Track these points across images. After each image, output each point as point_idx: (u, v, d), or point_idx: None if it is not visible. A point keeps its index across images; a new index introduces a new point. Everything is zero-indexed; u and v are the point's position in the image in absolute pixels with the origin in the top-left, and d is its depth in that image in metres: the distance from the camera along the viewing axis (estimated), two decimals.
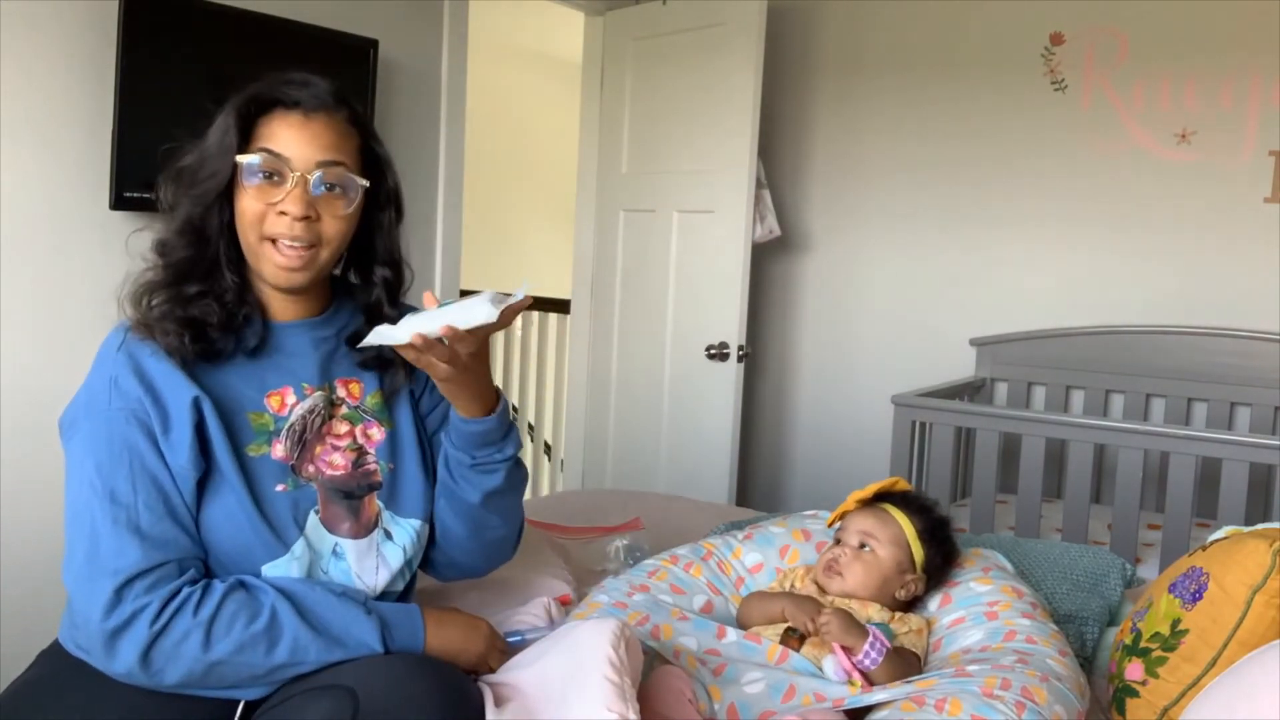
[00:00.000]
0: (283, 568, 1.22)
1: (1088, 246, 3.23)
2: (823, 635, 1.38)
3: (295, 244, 1.23)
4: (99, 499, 1.16)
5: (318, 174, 1.23)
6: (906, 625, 1.49)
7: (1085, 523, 2.59)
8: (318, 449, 1.29)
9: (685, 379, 3.35)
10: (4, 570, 2.18)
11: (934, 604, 1.58)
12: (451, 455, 1.33)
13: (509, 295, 1.20)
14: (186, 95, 2.24)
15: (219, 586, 1.17)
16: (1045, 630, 1.44)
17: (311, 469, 1.28)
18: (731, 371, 3.20)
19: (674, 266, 3.38)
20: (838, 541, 1.57)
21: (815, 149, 3.70)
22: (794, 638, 1.42)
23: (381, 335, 1.19)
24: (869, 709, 1.30)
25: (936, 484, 2.77)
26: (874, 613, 1.49)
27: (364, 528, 1.30)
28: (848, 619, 1.40)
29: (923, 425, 2.85)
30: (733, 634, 1.43)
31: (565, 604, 1.62)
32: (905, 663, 1.40)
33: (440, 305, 1.19)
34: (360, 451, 1.32)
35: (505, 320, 1.19)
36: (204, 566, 1.21)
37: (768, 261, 3.75)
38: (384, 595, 1.32)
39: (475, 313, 1.17)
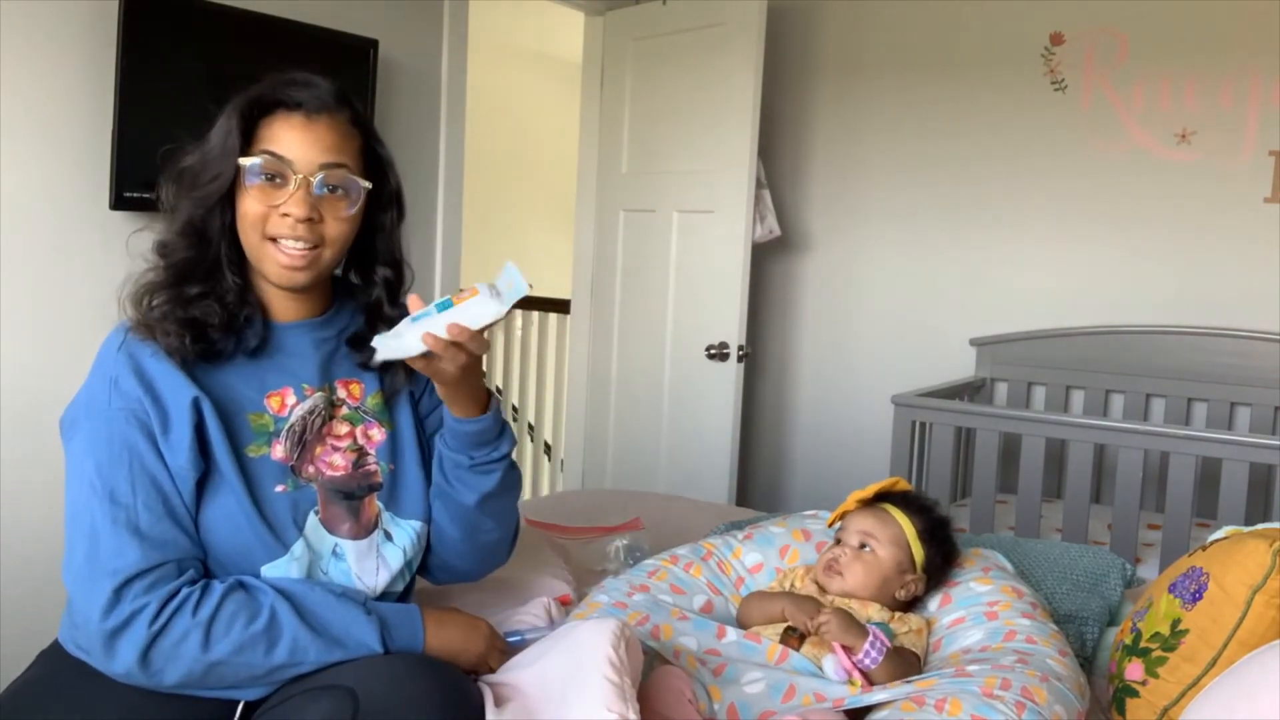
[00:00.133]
0: (282, 568, 1.22)
1: (1088, 246, 3.23)
2: (822, 635, 1.38)
3: (297, 245, 1.23)
4: (99, 499, 1.16)
5: (320, 176, 1.23)
6: (906, 625, 1.49)
7: (1085, 523, 2.59)
8: (318, 450, 1.29)
9: (685, 379, 3.35)
10: (4, 570, 2.18)
11: (934, 604, 1.58)
12: (448, 458, 1.33)
13: (496, 285, 1.20)
14: (186, 95, 2.24)
15: (218, 587, 1.17)
16: (1045, 630, 1.44)
17: (311, 470, 1.28)
18: (731, 371, 3.20)
19: (674, 266, 3.38)
20: (838, 541, 1.57)
21: (815, 149, 3.70)
22: (794, 637, 1.42)
23: (391, 349, 1.19)
24: (869, 709, 1.30)
25: (936, 484, 2.77)
26: (874, 613, 1.49)
27: (364, 529, 1.30)
28: (847, 619, 1.40)
29: (923, 425, 2.85)
30: (733, 634, 1.43)
31: (565, 604, 1.62)
32: (905, 662, 1.40)
33: (433, 306, 1.19)
34: (361, 452, 1.32)
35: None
36: (203, 567, 1.21)
37: (768, 261, 3.75)
38: (384, 596, 1.31)
39: (483, 310, 1.17)
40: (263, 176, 1.22)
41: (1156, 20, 3.08)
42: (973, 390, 3.32)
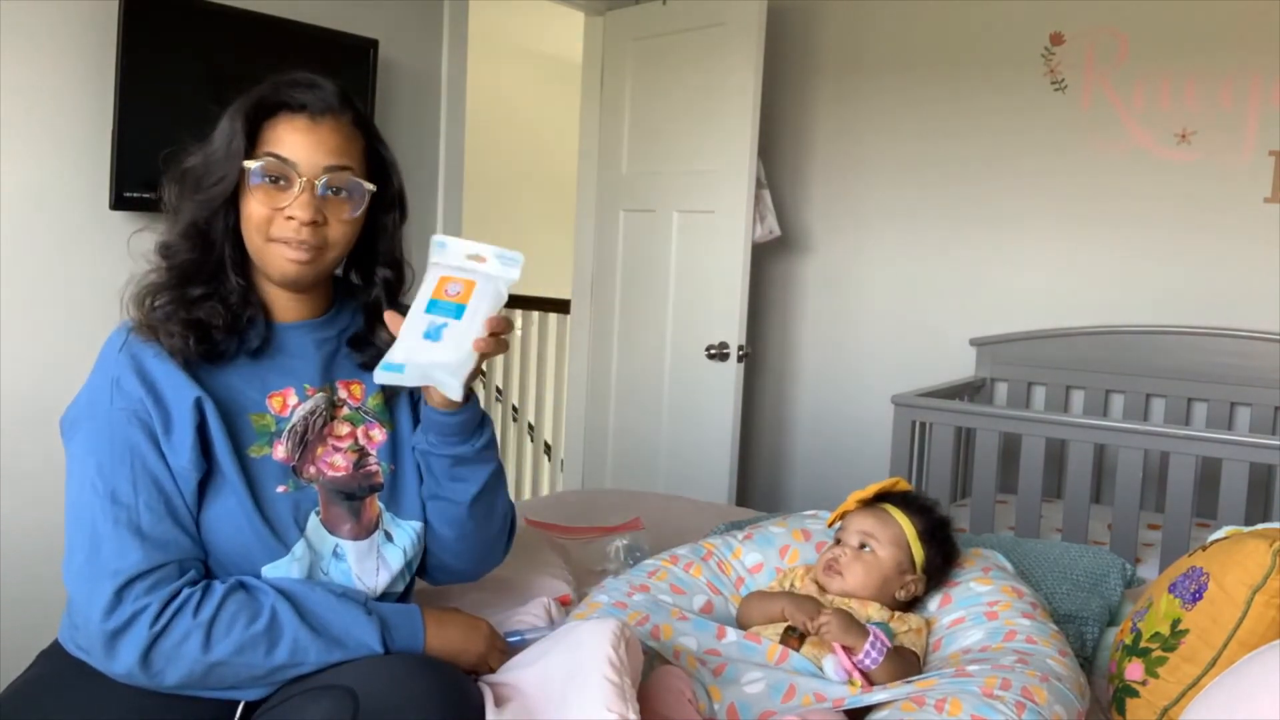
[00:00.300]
0: (283, 569, 1.22)
1: (1088, 246, 3.23)
2: (823, 636, 1.38)
3: (301, 247, 1.23)
4: (100, 499, 1.16)
5: (324, 178, 1.23)
6: (906, 625, 1.49)
7: (1085, 523, 2.59)
8: (319, 450, 1.29)
9: (685, 379, 3.35)
10: (4, 570, 2.18)
11: (934, 604, 1.58)
12: (436, 457, 1.32)
13: (482, 265, 1.22)
14: (186, 95, 2.24)
15: (219, 587, 1.17)
16: (1045, 630, 1.44)
17: (313, 470, 1.28)
18: (731, 371, 3.20)
19: (674, 266, 3.38)
20: (838, 541, 1.57)
21: (815, 149, 3.70)
22: (794, 637, 1.42)
23: (438, 380, 1.19)
24: (869, 709, 1.30)
25: (936, 484, 2.77)
26: (874, 613, 1.49)
27: (365, 529, 1.30)
28: (847, 619, 1.40)
29: (923, 425, 2.85)
30: (733, 634, 1.43)
31: (565, 604, 1.62)
32: (905, 662, 1.40)
33: (420, 313, 1.19)
34: (362, 453, 1.32)
35: None
36: (204, 567, 1.21)
37: (768, 261, 3.75)
38: (384, 596, 1.31)
39: (499, 292, 1.19)
40: (267, 179, 1.22)
41: (1156, 20, 3.08)
42: (973, 390, 3.32)
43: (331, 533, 1.27)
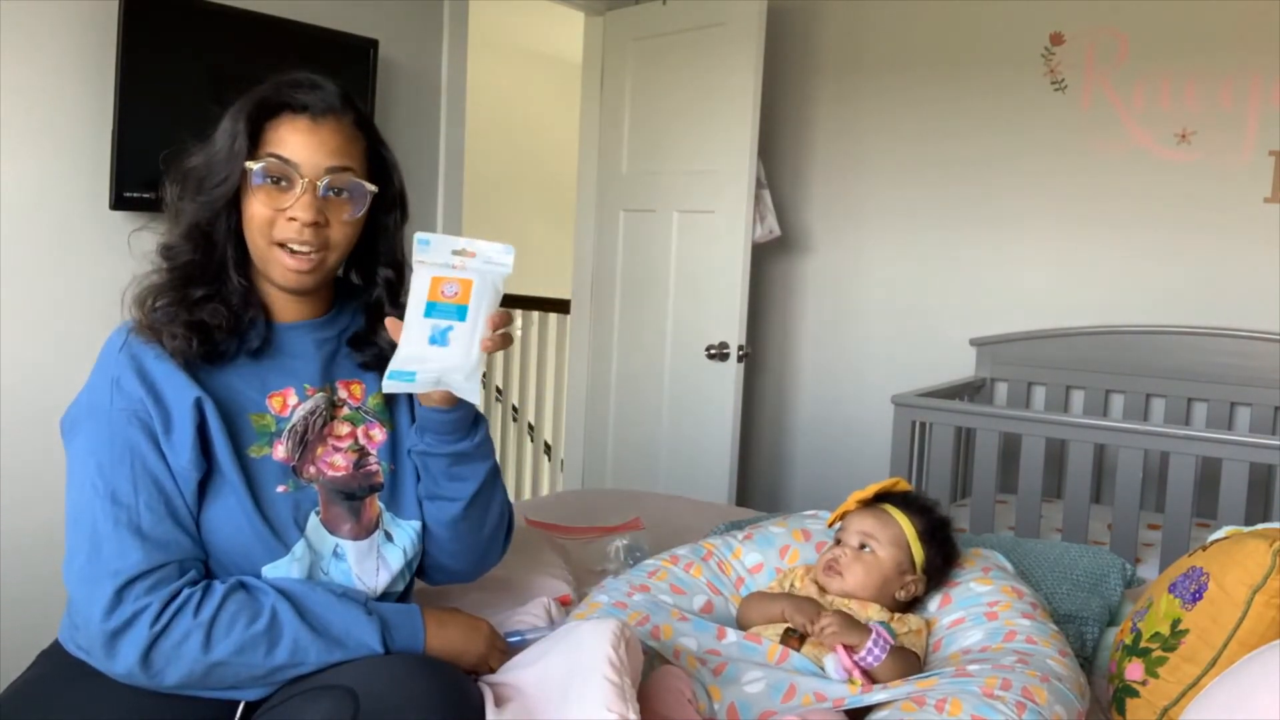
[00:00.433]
0: (283, 569, 1.22)
1: (1088, 246, 3.23)
2: (824, 638, 1.38)
3: (304, 248, 1.23)
4: (100, 500, 1.16)
5: (326, 179, 1.23)
6: (906, 626, 1.49)
7: (1085, 523, 2.59)
8: (319, 450, 1.29)
9: (685, 379, 3.35)
10: (4, 570, 2.18)
11: (934, 604, 1.58)
12: (434, 460, 1.31)
13: (471, 261, 1.21)
14: (186, 95, 2.24)
15: (219, 587, 1.17)
16: (1045, 630, 1.44)
17: (313, 470, 1.28)
18: (731, 371, 3.20)
19: (674, 266, 3.38)
20: (838, 542, 1.57)
21: (815, 149, 3.70)
22: (794, 638, 1.41)
23: (453, 385, 1.19)
24: (869, 709, 1.30)
25: (936, 484, 2.77)
26: (874, 613, 1.49)
27: (365, 529, 1.30)
28: (847, 620, 1.40)
29: (923, 425, 2.85)
30: (733, 634, 1.43)
31: (565, 604, 1.62)
32: (906, 661, 1.40)
33: (419, 316, 1.18)
34: (362, 453, 1.32)
35: None
36: (204, 567, 1.21)
37: (768, 261, 3.75)
38: (384, 596, 1.31)
39: (496, 288, 1.19)
40: (268, 180, 1.22)
41: (1156, 20, 3.08)
42: (973, 390, 3.32)
43: (331, 533, 1.27)
